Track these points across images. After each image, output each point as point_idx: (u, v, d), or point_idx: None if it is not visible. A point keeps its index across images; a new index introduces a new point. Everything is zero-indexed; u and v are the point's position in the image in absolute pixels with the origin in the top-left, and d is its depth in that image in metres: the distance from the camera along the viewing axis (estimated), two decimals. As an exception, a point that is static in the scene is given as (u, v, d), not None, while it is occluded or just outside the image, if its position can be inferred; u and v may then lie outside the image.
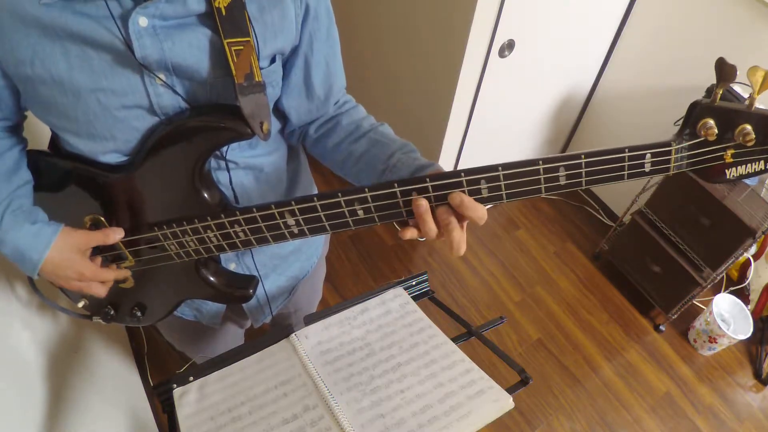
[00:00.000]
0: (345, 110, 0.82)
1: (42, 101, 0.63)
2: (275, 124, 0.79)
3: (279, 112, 0.79)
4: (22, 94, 0.66)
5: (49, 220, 0.73)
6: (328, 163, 0.82)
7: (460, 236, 0.60)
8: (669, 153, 0.55)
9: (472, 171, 0.58)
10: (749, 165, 0.56)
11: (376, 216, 0.63)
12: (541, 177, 0.57)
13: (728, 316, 2.05)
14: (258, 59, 0.64)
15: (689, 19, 1.83)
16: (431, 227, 0.60)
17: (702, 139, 0.55)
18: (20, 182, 0.72)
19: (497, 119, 2.03)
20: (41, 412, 1.00)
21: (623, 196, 2.26)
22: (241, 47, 0.61)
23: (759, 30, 1.65)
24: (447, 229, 0.59)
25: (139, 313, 0.86)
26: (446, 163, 2.04)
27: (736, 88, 1.64)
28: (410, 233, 0.62)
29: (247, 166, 0.76)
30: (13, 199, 0.70)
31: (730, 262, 1.79)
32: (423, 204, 0.59)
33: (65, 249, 0.71)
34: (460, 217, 0.60)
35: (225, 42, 0.60)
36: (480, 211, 0.59)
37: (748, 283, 2.18)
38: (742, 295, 2.17)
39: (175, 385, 0.69)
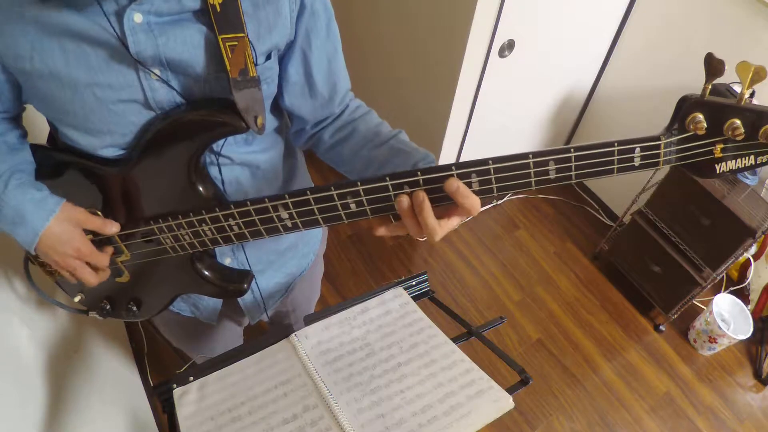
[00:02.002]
0: (359, 115, 0.81)
1: (41, 95, 0.64)
2: (272, 122, 0.79)
3: (285, 111, 0.80)
4: (22, 87, 0.67)
5: (52, 194, 0.73)
6: (344, 170, 0.81)
7: (432, 222, 0.60)
8: (658, 147, 0.55)
9: (463, 164, 0.58)
10: (739, 160, 0.56)
11: (368, 209, 0.63)
12: (531, 171, 0.57)
13: (728, 316, 2.05)
14: (253, 55, 0.64)
15: (689, 20, 1.83)
16: (413, 224, 0.60)
17: (691, 133, 0.55)
18: (23, 160, 0.73)
19: (497, 119, 2.03)
20: (41, 412, 1.00)
21: (623, 196, 2.26)
22: (236, 43, 0.62)
23: (758, 30, 1.65)
24: (420, 208, 0.59)
25: (135, 308, 0.87)
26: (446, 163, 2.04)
27: (736, 87, 1.64)
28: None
29: (243, 163, 0.77)
30: (17, 170, 0.70)
31: (730, 262, 1.79)
32: (404, 201, 0.60)
33: (66, 222, 0.71)
34: (451, 210, 0.60)
35: (219, 38, 0.61)
36: (473, 200, 0.59)
37: (748, 283, 2.18)
38: (742, 295, 2.17)
39: (175, 385, 0.69)
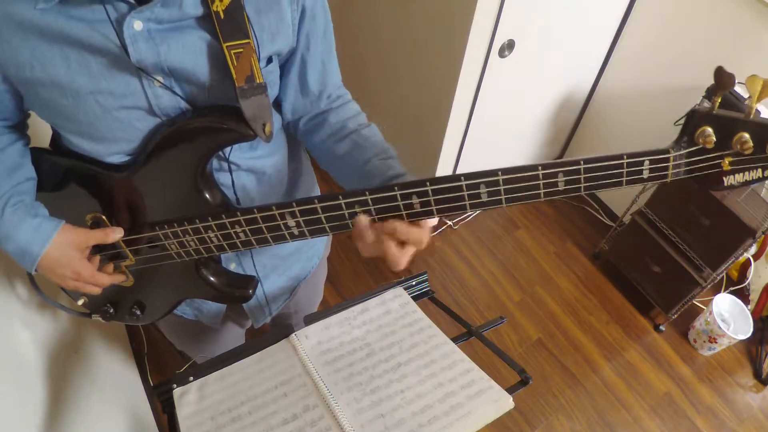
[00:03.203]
0: (335, 106, 0.81)
1: (43, 104, 0.64)
2: (276, 122, 0.79)
3: (283, 112, 0.80)
4: (24, 96, 0.66)
5: (50, 216, 0.73)
6: (315, 158, 0.83)
7: (396, 252, 0.61)
8: (667, 160, 0.56)
9: (472, 175, 0.58)
10: (747, 173, 0.56)
11: (376, 218, 0.63)
12: (540, 182, 0.57)
13: (728, 316, 2.05)
14: (258, 60, 0.64)
15: (689, 20, 1.83)
16: (368, 244, 0.63)
17: (700, 146, 0.55)
18: (22, 178, 0.72)
19: (497, 119, 2.03)
20: (41, 413, 1.00)
21: (623, 196, 2.26)
22: (241, 50, 0.61)
23: (759, 30, 1.65)
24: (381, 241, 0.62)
25: (138, 312, 0.86)
26: (446, 163, 2.04)
27: (737, 88, 1.64)
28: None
29: (249, 168, 0.77)
30: (14, 194, 0.70)
31: (730, 262, 1.79)
32: (362, 221, 0.62)
33: (64, 245, 0.71)
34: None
35: (224, 45, 0.60)
36: (415, 234, 0.60)
37: (748, 283, 2.18)
38: (742, 295, 2.17)
39: (175, 385, 0.69)
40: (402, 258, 0.62)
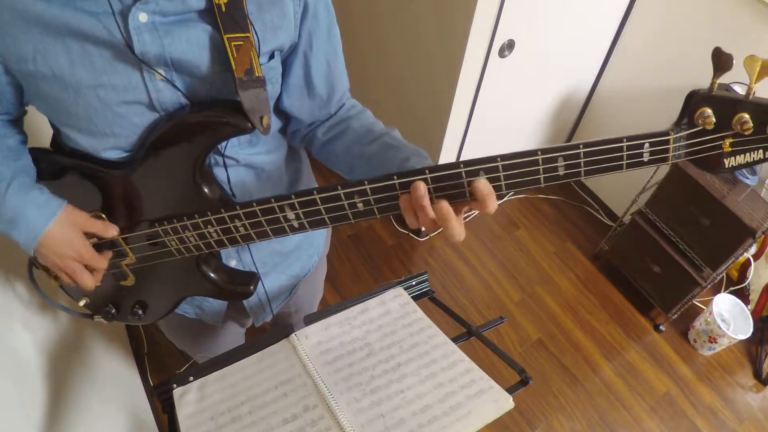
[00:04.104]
0: (354, 114, 0.82)
1: (43, 97, 0.64)
2: (276, 123, 0.79)
3: (282, 112, 0.80)
4: (24, 89, 0.66)
5: (53, 195, 0.73)
6: (335, 167, 0.82)
7: (457, 224, 0.60)
8: (667, 142, 0.55)
9: (471, 162, 0.58)
10: (748, 154, 0.55)
11: (375, 208, 0.63)
12: (540, 168, 0.57)
13: (728, 316, 2.05)
14: (258, 56, 0.64)
15: (689, 19, 1.83)
16: (428, 213, 0.60)
17: (700, 128, 0.55)
18: (25, 164, 0.73)
19: (497, 119, 2.03)
20: (41, 412, 1.00)
21: (623, 196, 2.26)
22: (241, 42, 0.62)
23: (759, 30, 1.65)
24: (444, 218, 0.59)
25: (140, 312, 0.86)
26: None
27: (736, 87, 1.64)
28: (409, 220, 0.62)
29: (248, 164, 0.77)
30: (19, 174, 0.70)
31: (730, 262, 1.79)
32: (421, 187, 0.59)
33: (67, 224, 0.71)
34: (457, 208, 0.60)
35: (225, 37, 0.61)
36: (495, 199, 0.59)
37: (748, 283, 2.18)
38: (742, 295, 2.17)
39: (175, 385, 0.69)
40: (461, 226, 0.61)
